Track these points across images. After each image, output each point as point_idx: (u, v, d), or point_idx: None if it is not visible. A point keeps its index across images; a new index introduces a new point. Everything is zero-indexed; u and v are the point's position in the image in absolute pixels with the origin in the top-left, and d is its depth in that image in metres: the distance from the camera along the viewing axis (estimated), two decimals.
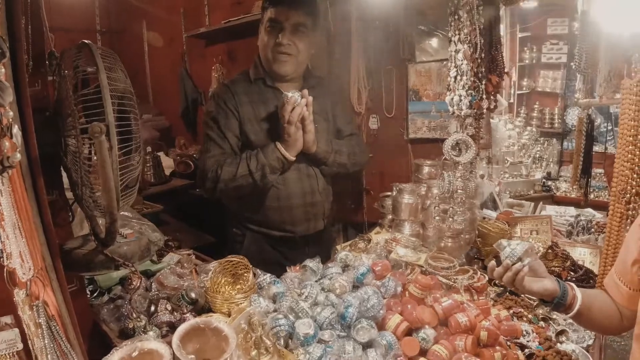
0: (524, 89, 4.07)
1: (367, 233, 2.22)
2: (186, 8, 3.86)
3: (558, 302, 1.19)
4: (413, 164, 2.17)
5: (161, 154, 3.86)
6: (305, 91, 1.89)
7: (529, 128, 3.70)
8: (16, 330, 1.12)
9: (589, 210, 2.53)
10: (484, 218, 2.23)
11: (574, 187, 2.90)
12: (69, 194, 1.43)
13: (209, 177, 1.94)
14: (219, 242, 2.38)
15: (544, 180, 3.29)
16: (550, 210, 2.60)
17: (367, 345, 1.34)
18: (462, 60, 1.62)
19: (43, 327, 1.14)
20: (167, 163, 3.84)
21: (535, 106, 3.99)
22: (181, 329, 1.17)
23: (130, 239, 1.40)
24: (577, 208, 2.60)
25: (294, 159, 1.94)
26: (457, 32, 1.63)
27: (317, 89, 2.13)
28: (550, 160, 3.58)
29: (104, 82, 1.20)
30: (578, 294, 1.19)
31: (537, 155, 3.52)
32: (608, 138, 3.45)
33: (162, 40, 4.13)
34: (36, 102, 1.33)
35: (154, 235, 1.95)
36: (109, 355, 1.13)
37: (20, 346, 1.13)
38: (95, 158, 1.26)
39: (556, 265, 1.95)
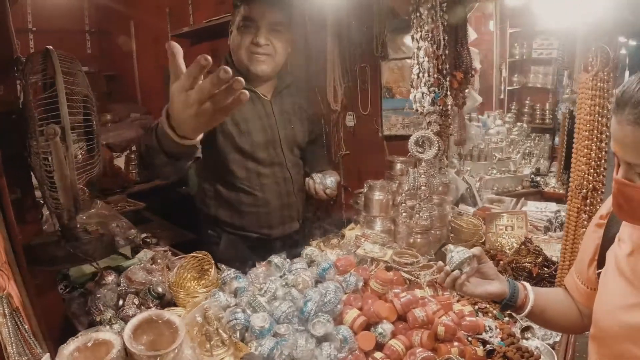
0: (515, 84, 4.05)
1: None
2: (172, 8, 3.88)
3: (506, 304, 1.20)
4: (387, 161, 2.20)
5: None
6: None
7: (519, 124, 3.69)
8: None
9: None
10: (460, 214, 2.25)
11: (558, 182, 2.91)
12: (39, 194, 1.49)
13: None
14: (199, 239, 2.43)
15: (532, 176, 3.27)
16: (532, 206, 2.60)
17: (323, 339, 1.37)
18: (423, 58, 1.64)
19: (7, 317, 1.19)
20: None
21: (527, 102, 3.97)
22: (134, 320, 1.22)
23: (94, 235, 1.44)
24: (560, 204, 2.59)
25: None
26: (418, 30, 1.64)
27: (292, 88, 2.14)
28: (541, 156, 3.56)
29: (60, 86, 1.25)
30: (531, 294, 1.20)
31: (527, 151, 3.51)
32: None
33: (149, 40, 4.19)
34: (3, 106, 1.39)
35: (130, 232, 2.02)
36: (65, 344, 1.18)
37: None
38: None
39: (528, 261, 1.95)
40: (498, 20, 3.72)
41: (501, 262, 1.94)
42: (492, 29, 3.71)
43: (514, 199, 2.72)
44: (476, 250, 1.21)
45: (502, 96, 3.95)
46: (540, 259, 1.94)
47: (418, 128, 2.15)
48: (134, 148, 3.42)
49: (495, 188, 3.10)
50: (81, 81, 1.39)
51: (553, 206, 2.56)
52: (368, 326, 1.44)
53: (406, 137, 2.07)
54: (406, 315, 1.46)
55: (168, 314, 1.25)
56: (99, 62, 4.59)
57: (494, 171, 3.24)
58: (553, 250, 2.05)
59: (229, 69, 0.83)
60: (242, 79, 0.84)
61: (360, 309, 1.48)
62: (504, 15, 3.79)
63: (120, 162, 3.45)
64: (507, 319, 1.65)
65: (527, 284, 1.24)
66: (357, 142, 2.60)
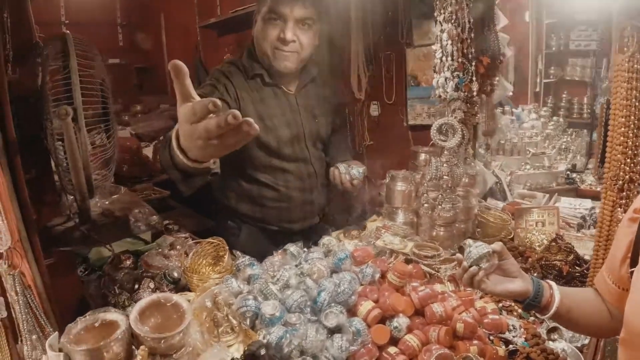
0: (551, 77, 3.86)
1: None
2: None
3: (529, 304, 1.13)
4: (412, 151, 2.13)
5: None
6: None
7: (555, 118, 3.51)
8: (1, 299, 1.21)
9: None
10: (488, 208, 2.16)
11: (595, 176, 2.76)
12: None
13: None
14: (219, 230, 2.43)
15: (568, 172, 3.11)
16: (565, 202, 2.47)
17: (336, 331, 1.33)
18: (447, 41, 1.56)
19: (19, 295, 1.21)
20: None
21: (564, 95, 3.79)
22: (142, 302, 1.21)
23: (109, 219, 1.45)
24: (596, 201, 2.45)
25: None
26: (441, 11, 1.56)
27: (317, 80, 2.08)
28: (578, 152, 3.38)
29: (73, 68, 1.25)
30: (556, 294, 1.12)
31: (563, 147, 3.33)
32: None
33: (179, 32, 4.24)
34: (21, 90, 1.41)
35: (152, 219, 2.03)
36: (72, 323, 1.18)
37: (4, 314, 1.21)
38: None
39: (559, 259, 1.85)
40: (534, 10, 3.55)
41: (530, 259, 1.85)
42: (528, 19, 3.55)
43: (547, 195, 2.58)
44: (496, 245, 1.14)
45: (537, 89, 3.78)
46: (571, 257, 1.84)
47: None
48: (162, 138, 3.47)
49: (528, 184, 2.96)
50: (98, 65, 1.40)
51: (588, 203, 2.43)
52: (383, 319, 1.39)
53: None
54: (424, 309, 1.40)
55: (176, 297, 1.24)
56: (130, 54, 4.68)
57: (528, 166, 3.10)
58: (586, 248, 1.93)
59: (238, 113, 0.73)
60: (251, 120, 0.74)
61: (376, 301, 1.43)
62: (540, 5, 3.61)
63: (148, 151, 3.52)
64: (532, 318, 1.56)
65: (552, 283, 1.16)
66: (381, 132, 2.53)
